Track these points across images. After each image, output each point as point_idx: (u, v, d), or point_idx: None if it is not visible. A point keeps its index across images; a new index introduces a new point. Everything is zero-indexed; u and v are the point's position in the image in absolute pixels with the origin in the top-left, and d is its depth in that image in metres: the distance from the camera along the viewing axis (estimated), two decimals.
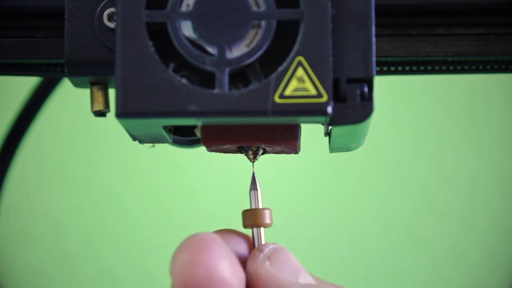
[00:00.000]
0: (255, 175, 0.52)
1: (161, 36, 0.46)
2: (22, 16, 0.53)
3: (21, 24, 0.53)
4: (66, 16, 0.50)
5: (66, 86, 0.65)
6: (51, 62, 0.53)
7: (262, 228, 0.51)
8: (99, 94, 0.53)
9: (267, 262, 0.47)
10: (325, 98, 0.44)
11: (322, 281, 0.48)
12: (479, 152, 1.04)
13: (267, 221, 0.51)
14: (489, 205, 1.04)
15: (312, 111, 0.44)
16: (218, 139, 0.48)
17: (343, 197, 1.04)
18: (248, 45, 0.45)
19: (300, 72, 0.45)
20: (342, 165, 1.04)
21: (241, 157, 0.52)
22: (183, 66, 0.46)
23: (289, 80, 0.45)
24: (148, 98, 0.44)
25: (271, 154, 0.51)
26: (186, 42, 0.45)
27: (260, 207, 0.51)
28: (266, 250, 0.48)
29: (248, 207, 0.51)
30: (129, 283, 1.03)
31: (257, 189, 0.51)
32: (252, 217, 0.50)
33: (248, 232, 0.51)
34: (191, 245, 0.44)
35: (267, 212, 0.51)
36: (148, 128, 0.47)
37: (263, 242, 0.50)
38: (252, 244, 0.51)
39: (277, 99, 0.44)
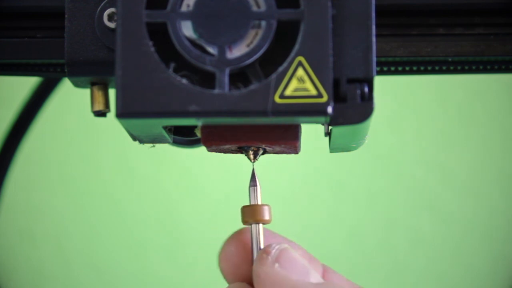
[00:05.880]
0: (255, 171, 0.51)
1: (161, 36, 0.46)
2: (22, 16, 0.53)
3: (21, 24, 0.53)
4: (66, 16, 0.50)
5: (66, 86, 0.65)
6: (51, 62, 0.53)
7: (261, 225, 0.51)
8: (99, 94, 0.53)
9: (277, 264, 0.47)
10: (325, 98, 0.44)
11: (329, 280, 0.49)
12: (479, 152, 1.04)
13: (266, 217, 0.50)
14: (489, 205, 1.04)
15: (312, 111, 0.44)
16: (218, 139, 0.48)
17: (343, 197, 1.04)
18: (248, 45, 0.45)
19: (300, 72, 0.45)
20: (342, 165, 1.04)
21: (241, 157, 0.52)
22: (183, 66, 0.46)
23: (289, 80, 0.44)
24: (148, 98, 0.44)
25: (271, 154, 0.51)
26: (186, 42, 0.45)
27: (259, 203, 0.51)
28: (273, 251, 0.48)
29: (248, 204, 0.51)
30: (129, 283, 1.03)
31: (256, 185, 0.51)
32: (251, 213, 0.50)
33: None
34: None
35: (266, 208, 0.51)
36: (148, 128, 0.47)
37: (261, 239, 0.50)
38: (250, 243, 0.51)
39: (277, 99, 0.44)
